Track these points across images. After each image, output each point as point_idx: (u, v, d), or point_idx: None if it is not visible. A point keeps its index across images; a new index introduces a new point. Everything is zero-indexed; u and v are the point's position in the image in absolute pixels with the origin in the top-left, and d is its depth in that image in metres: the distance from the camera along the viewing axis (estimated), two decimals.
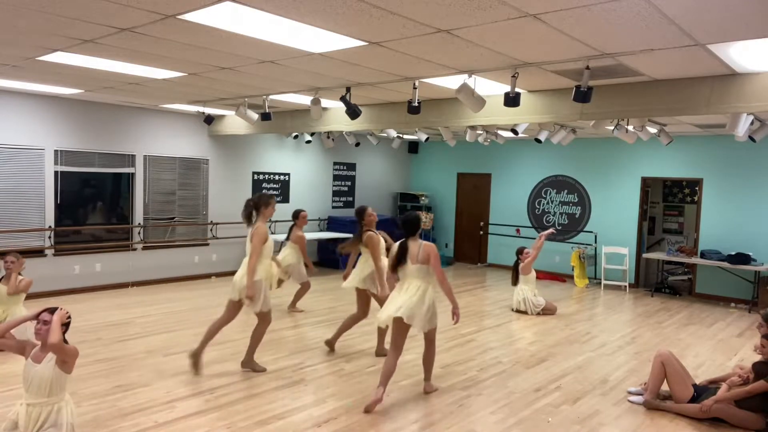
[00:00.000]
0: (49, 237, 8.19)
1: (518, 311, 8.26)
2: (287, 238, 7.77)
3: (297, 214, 7.85)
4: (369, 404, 4.48)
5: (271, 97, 7.09)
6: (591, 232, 11.14)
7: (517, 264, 8.45)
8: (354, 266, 5.89)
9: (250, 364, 5.34)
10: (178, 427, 4.12)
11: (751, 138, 7.17)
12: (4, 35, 4.49)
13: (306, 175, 11.77)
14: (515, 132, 8.10)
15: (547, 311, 8.19)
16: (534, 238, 11.80)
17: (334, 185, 12.39)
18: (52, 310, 3.63)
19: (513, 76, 4.96)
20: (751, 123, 6.69)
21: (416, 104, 5.78)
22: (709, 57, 4.34)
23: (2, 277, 5.85)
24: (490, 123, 6.78)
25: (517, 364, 5.86)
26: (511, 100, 5.11)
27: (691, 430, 4.46)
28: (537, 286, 8.42)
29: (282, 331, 6.78)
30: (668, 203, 11.61)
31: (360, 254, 5.81)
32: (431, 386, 5.02)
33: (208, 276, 10.12)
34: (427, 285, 4.60)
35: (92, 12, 3.76)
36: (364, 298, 5.79)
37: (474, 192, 12.97)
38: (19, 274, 5.88)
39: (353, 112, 6.13)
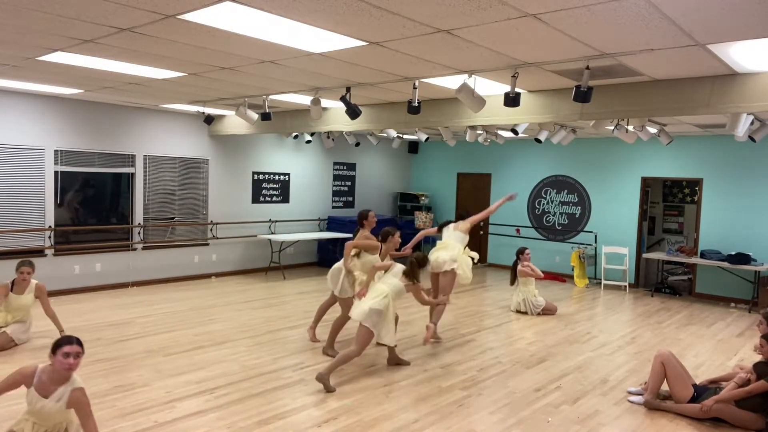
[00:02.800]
0: (49, 237, 8.19)
1: (518, 312, 8.26)
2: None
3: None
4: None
5: (271, 97, 7.09)
6: (591, 232, 11.14)
7: (515, 264, 8.43)
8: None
9: (395, 359, 5.69)
10: (178, 427, 4.12)
11: (751, 138, 7.17)
12: (4, 35, 4.49)
13: (306, 175, 11.77)
14: (515, 132, 8.10)
15: (547, 311, 8.19)
16: (534, 239, 11.86)
17: (334, 185, 12.39)
18: (78, 342, 3.32)
19: (513, 76, 4.96)
20: (751, 123, 6.70)
21: (416, 104, 5.78)
22: (709, 57, 4.34)
23: (12, 284, 5.87)
24: (490, 123, 6.78)
25: (517, 364, 5.86)
26: (511, 100, 5.11)
27: (691, 430, 4.46)
28: (537, 286, 8.41)
29: (282, 331, 6.78)
30: (668, 203, 11.61)
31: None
32: (431, 328, 5.83)
33: (208, 276, 10.12)
34: (461, 246, 6.50)
35: (92, 12, 3.76)
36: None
37: (474, 192, 12.96)
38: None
39: (353, 112, 6.13)
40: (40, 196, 8.09)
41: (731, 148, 9.48)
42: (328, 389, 4.87)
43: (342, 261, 6.01)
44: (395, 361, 5.70)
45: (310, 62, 5.06)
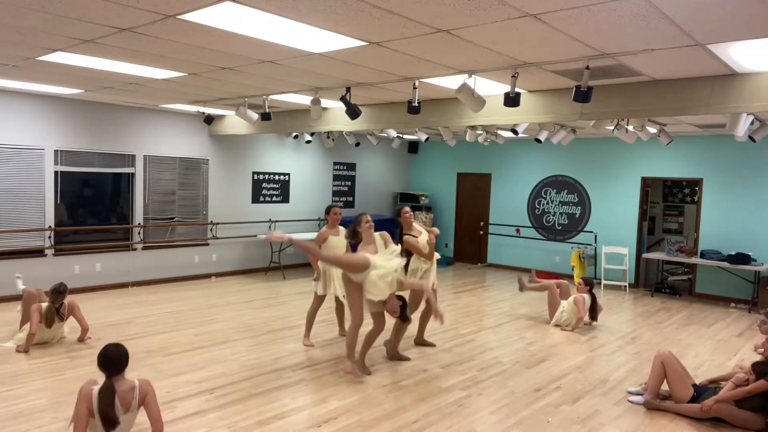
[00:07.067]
0: (49, 237, 8.19)
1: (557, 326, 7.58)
2: None
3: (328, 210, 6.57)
4: None
5: (271, 97, 7.09)
6: (591, 232, 11.14)
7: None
8: None
9: (396, 355, 5.85)
10: (178, 427, 4.12)
11: (751, 138, 7.17)
12: (4, 35, 4.49)
13: (306, 175, 11.77)
14: (515, 132, 8.10)
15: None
16: (533, 239, 11.86)
17: (334, 185, 12.39)
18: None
19: (513, 76, 4.96)
20: (751, 123, 6.69)
21: (416, 104, 5.78)
22: (709, 57, 4.34)
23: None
24: (490, 123, 6.78)
25: (517, 364, 5.86)
26: (511, 100, 5.11)
27: (691, 430, 4.46)
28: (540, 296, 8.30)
29: (282, 331, 6.78)
30: (668, 203, 11.61)
31: None
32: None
33: (208, 276, 10.12)
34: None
35: (92, 12, 3.76)
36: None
37: (474, 192, 12.97)
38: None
39: (353, 112, 6.13)
40: (40, 196, 8.09)
41: (731, 148, 9.48)
42: (367, 373, 5.32)
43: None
44: (396, 357, 5.79)
45: (310, 62, 5.06)
